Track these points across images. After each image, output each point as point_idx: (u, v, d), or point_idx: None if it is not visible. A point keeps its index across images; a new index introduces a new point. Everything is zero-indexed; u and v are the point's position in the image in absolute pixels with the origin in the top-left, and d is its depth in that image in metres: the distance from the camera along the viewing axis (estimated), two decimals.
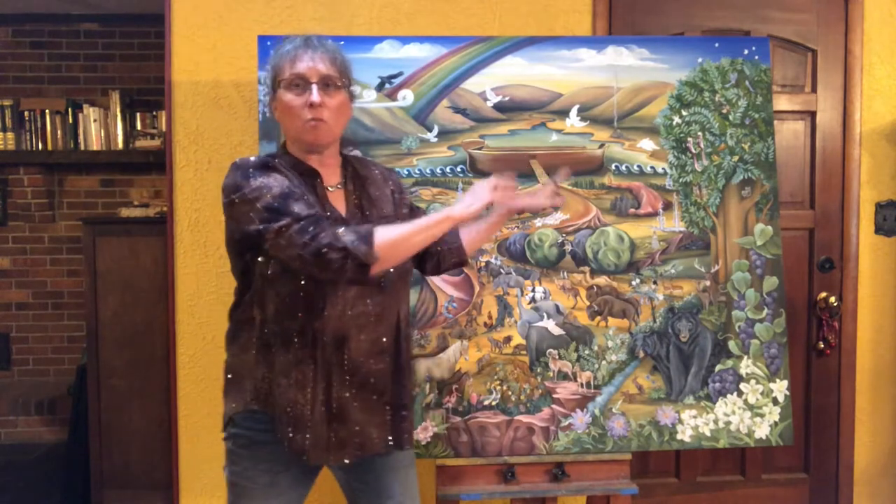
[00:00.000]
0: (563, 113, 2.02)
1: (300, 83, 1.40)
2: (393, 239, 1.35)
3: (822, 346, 2.56)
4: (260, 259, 1.40)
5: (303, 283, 1.38)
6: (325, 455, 1.44)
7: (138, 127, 3.77)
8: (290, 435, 1.42)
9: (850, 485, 2.61)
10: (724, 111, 2.04)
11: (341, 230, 1.32)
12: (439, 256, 1.64)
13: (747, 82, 2.05)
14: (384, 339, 1.46)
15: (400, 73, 2.00)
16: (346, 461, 1.45)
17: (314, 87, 1.39)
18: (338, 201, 1.48)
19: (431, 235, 1.40)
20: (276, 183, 1.36)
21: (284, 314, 1.41)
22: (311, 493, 1.76)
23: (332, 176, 1.50)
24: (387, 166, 1.69)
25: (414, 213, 1.64)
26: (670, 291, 1.99)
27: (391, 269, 1.44)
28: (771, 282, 2.02)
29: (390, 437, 1.48)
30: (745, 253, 2.02)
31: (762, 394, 1.98)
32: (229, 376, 1.50)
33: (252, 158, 1.43)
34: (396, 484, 1.54)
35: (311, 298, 1.39)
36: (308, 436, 1.42)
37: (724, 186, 2.03)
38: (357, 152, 1.96)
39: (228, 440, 1.49)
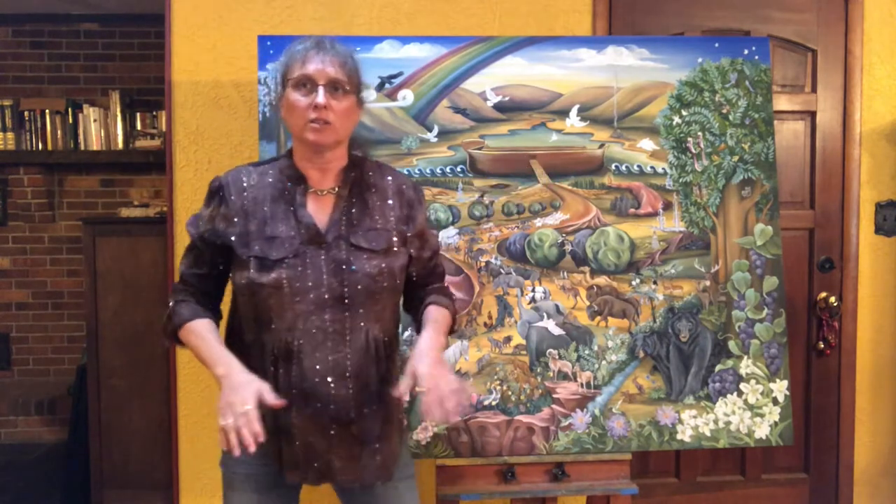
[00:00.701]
0: (563, 113, 2.02)
1: (307, 83, 1.38)
2: (188, 342, 1.43)
3: (822, 346, 2.56)
4: (232, 270, 1.44)
5: (248, 296, 1.38)
6: (284, 469, 1.41)
7: (138, 127, 3.77)
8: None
9: (850, 485, 2.61)
10: (724, 111, 2.04)
11: (182, 305, 1.44)
12: (418, 312, 1.55)
13: (747, 82, 2.05)
14: (348, 362, 1.37)
15: (400, 73, 2.00)
16: (305, 482, 1.42)
17: (321, 89, 1.37)
18: (321, 207, 1.43)
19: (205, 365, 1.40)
20: (200, 220, 1.47)
21: (245, 326, 1.43)
22: (310, 494, 1.74)
23: (327, 180, 1.45)
24: (411, 181, 1.56)
25: (421, 243, 1.52)
26: (670, 291, 1.99)
27: (358, 286, 1.37)
28: (771, 282, 2.02)
29: (356, 474, 1.41)
30: (745, 253, 2.02)
31: (762, 394, 1.98)
32: None
33: (213, 180, 1.47)
34: (393, 501, 1.50)
35: (259, 310, 1.37)
36: (266, 446, 1.38)
37: (724, 186, 2.03)
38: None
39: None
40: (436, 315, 1.50)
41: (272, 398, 1.28)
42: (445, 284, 1.64)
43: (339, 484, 1.45)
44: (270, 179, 1.44)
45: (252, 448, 1.23)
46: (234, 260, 1.42)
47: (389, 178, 1.51)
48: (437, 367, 1.35)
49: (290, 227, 1.40)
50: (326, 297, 1.37)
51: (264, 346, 1.39)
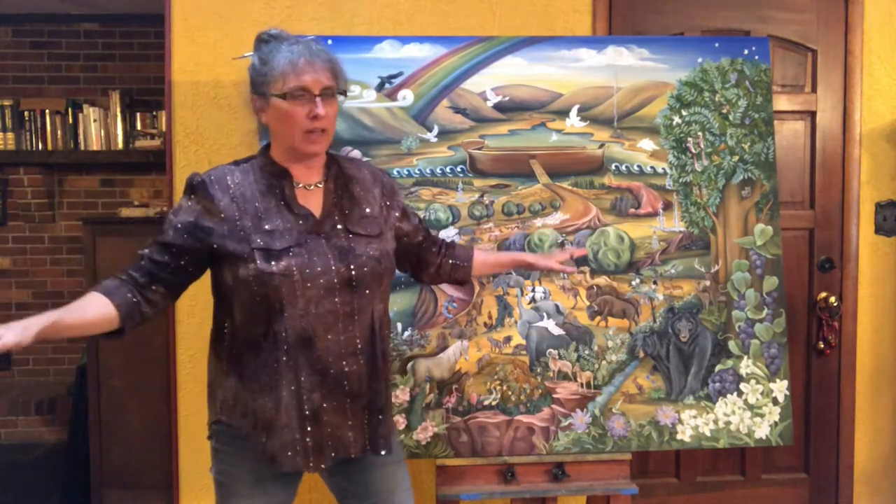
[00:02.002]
0: (563, 113, 2.02)
1: (303, 94, 1.40)
2: None
3: (822, 346, 2.56)
4: (223, 269, 1.42)
5: (256, 288, 1.37)
6: (302, 460, 1.41)
7: (138, 127, 3.77)
8: (264, 441, 1.41)
9: (850, 485, 2.61)
10: (724, 111, 2.04)
11: (112, 279, 1.38)
12: (440, 268, 1.70)
13: (747, 82, 2.05)
14: (357, 340, 1.43)
15: (400, 73, 2.00)
16: (323, 466, 1.43)
17: (318, 99, 1.40)
18: (313, 200, 1.47)
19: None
20: (180, 211, 1.43)
21: (249, 320, 1.42)
22: (309, 493, 1.74)
23: (312, 175, 1.49)
24: (382, 169, 1.66)
25: (407, 217, 1.63)
26: (670, 291, 1.99)
27: (365, 269, 1.43)
28: (771, 282, 2.02)
29: (367, 441, 1.46)
30: (745, 253, 2.02)
31: (762, 394, 1.98)
32: (207, 386, 1.55)
33: (192, 175, 1.44)
34: (385, 481, 1.54)
35: (270, 301, 1.38)
36: (277, 441, 1.40)
37: (724, 186, 2.03)
38: (357, 152, 1.96)
39: (212, 438, 1.52)
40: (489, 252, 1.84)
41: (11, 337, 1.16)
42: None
43: (348, 456, 1.45)
44: (253, 177, 1.45)
45: None
46: (225, 259, 1.40)
47: (364, 169, 1.58)
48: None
49: (285, 220, 1.42)
50: (336, 281, 1.41)
51: (277, 335, 1.39)
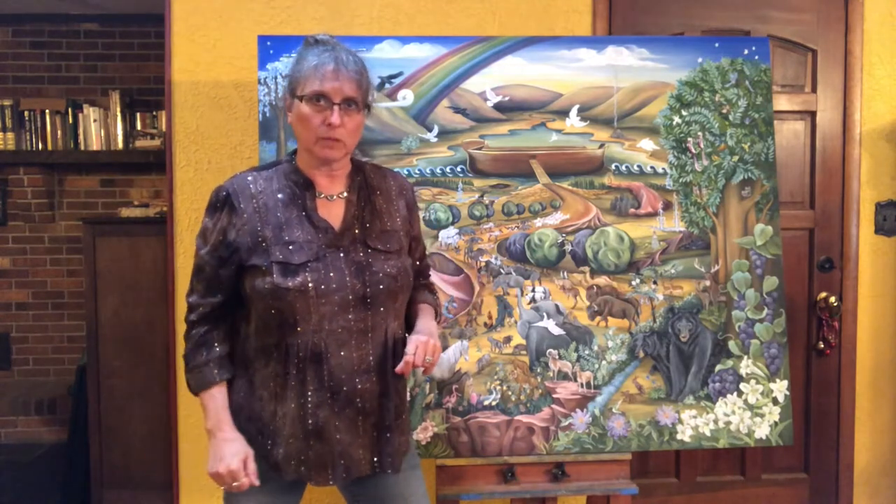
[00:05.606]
0: (563, 113, 2.02)
1: (322, 100, 1.39)
2: (202, 399, 1.46)
3: (822, 346, 2.56)
4: (244, 279, 1.42)
5: (271, 301, 1.37)
6: (306, 473, 1.42)
7: (138, 127, 3.77)
8: (269, 448, 1.42)
9: (850, 485, 2.61)
10: (724, 111, 2.04)
11: (206, 354, 1.44)
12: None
13: (747, 82, 2.05)
14: (370, 358, 1.43)
15: (400, 73, 1.99)
16: (330, 482, 1.43)
17: (336, 108, 1.38)
18: (334, 211, 1.46)
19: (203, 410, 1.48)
20: (207, 233, 1.44)
21: (263, 330, 1.42)
22: (311, 493, 1.73)
23: (335, 185, 1.48)
24: (409, 183, 1.61)
25: (417, 240, 1.59)
26: (670, 291, 1.99)
27: (380, 286, 1.42)
28: (771, 282, 2.02)
29: (375, 459, 1.45)
30: (745, 253, 2.02)
31: (762, 394, 1.98)
32: None
33: (217, 190, 1.45)
34: (398, 488, 1.53)
35: (283, 315, 1.38)
36: (281, 450, 1.41)
37: (724, 186, 2.03)
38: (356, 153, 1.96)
39: None
40: (426, 309, 1.60)
41: (253, 466, 1.40)
42: (430, 280, 1.71)
43: (359, 474, 1.45)
44: (277, 185, 1.44)
45: (246, 487, 1.39)
46: (247, 270, 1.41)
47: (390, 179, 1.56)
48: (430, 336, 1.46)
49: (305, 231, 1.41)
50: (350, 297, 1.40)
51: (289, 349, 1.39)
